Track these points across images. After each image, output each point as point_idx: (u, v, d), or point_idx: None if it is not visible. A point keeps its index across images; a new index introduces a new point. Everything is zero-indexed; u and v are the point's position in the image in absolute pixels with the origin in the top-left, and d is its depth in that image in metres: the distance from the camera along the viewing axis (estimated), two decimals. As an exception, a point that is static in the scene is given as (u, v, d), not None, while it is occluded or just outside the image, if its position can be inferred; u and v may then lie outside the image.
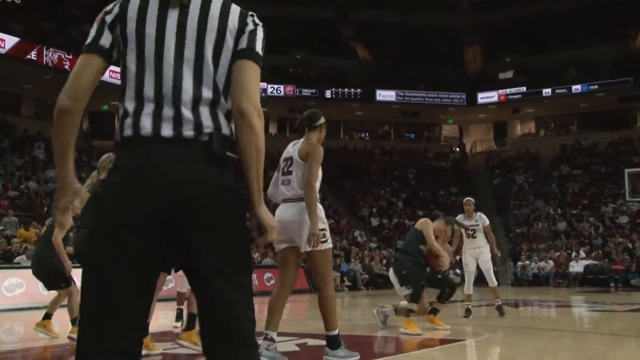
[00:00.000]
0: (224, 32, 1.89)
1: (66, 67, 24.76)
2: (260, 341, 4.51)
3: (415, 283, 7.23)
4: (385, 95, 33.46)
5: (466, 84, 34.37)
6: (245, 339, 1.86)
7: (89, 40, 1.95)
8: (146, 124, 1.82)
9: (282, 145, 5.64)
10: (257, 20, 1.97)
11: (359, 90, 32.92)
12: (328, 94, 32.44)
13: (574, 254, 23.88)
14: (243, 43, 1.92)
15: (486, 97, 34.05)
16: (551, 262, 23.70)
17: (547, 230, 27.56)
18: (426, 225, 7.53)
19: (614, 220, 26.74)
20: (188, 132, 1.83)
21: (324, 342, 4.98)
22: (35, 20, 25.10)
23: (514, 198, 31.25)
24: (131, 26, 1.88)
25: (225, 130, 1.88)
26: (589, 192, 29.67)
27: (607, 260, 22.86)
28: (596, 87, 31.44)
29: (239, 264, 1.86)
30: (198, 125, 1.83)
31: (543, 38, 32.61)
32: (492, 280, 9.40)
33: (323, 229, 4.85)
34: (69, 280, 6.81)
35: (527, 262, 24.16)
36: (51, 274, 6.76)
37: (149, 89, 1.84)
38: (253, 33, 1.94)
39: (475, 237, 9.45)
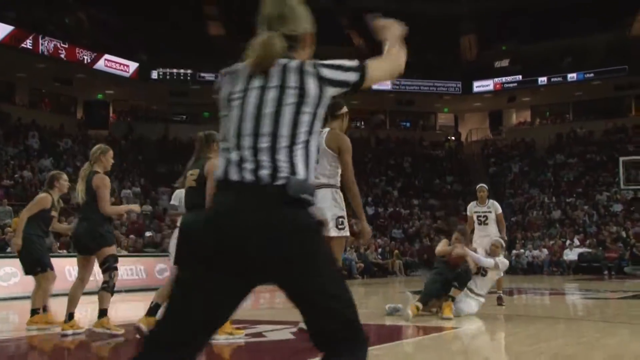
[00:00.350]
0: (302, 86, 2.06)
1: (62, 56, 24.52)
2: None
3: (425, 288, 7.93)
4: (380, 83, 33.39)
5: (462, 73, 34.29)
6: (356, 334, 2.03)
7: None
8: (231, 170, 2.05)
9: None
10: (319, 62, 2.12)
11: (354, 79, 32.79)
12: (324, 82, 32.30)
13: (568, 242, 23.99)
14: (340, 77, 2.10)
15: (482, 85, 34.02)
16: (545, 250, 23.81)
17: (542, 218, 27.66)
18: (438, 245, 8.48)
19: (608, 209, 26.84)
20: (266, 177, 2.00)
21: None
22: (28, 8, 24.88)
23: (509, 186, 31.30)
24: (223, 94, 2.17)
25: (301, 174, 2.04)
26: (584, 180, 29.75)
27: (601, 248, 22.97)
28: (592, 75, 31.47)
29: (326, 286, 2.01)
30: (275, 169, 2.01)
31: (539, 26, 32.51)
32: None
33: (342, 216, 4.97)
34: (44, 266, 6.83)
35: (522, 250, 24.25)
36: (28, 257, 6.83)
37: (233, 139, 2.09)
38: (334, 65, 2.11)
39: (487, 224, 9.40)
